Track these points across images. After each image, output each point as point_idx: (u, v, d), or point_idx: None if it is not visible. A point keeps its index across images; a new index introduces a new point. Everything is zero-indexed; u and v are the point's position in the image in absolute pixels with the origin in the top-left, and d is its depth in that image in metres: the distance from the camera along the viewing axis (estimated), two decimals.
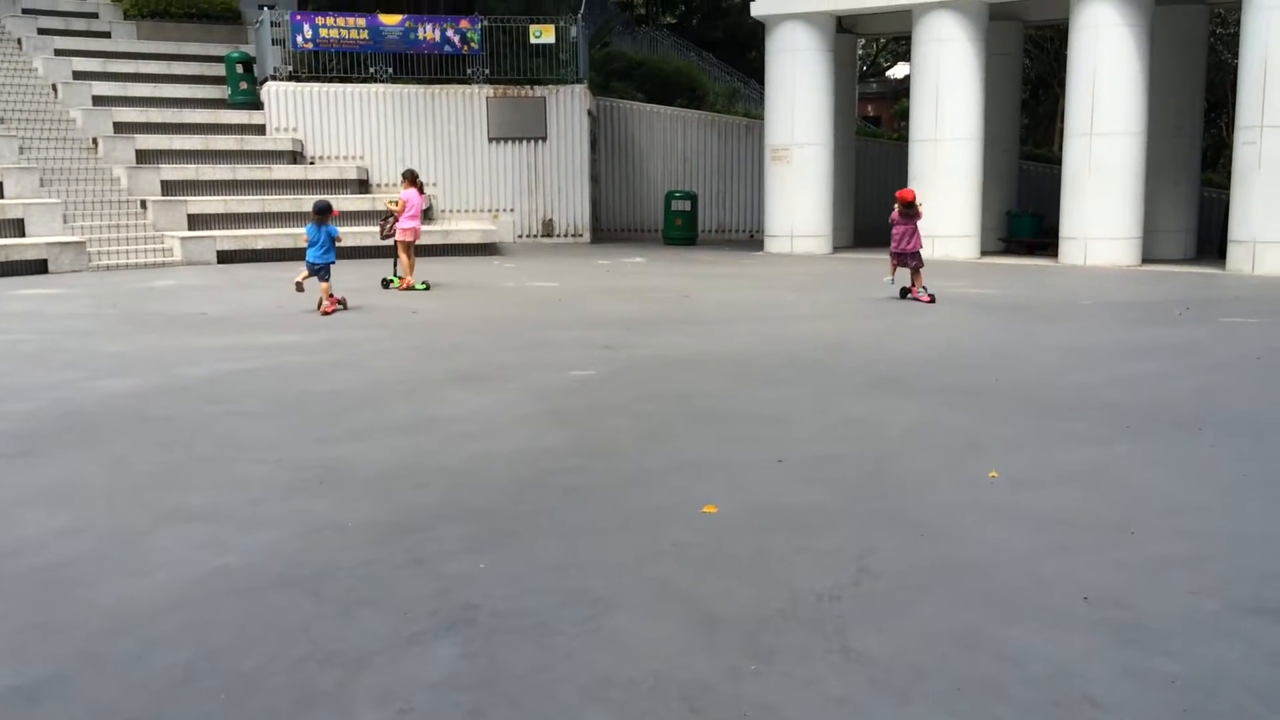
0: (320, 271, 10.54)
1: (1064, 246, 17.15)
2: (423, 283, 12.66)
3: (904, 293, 11.70)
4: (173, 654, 2.92)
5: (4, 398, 6.43)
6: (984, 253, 18.65)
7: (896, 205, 11.76)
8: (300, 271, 10.72)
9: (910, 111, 18.84)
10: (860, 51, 28.56)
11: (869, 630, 3.05)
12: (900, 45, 36.86)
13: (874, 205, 23.75)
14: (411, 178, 12.91)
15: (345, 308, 10.74)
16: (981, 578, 3.46)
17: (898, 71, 42.29)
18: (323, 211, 10.70)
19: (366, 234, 18.06)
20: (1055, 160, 23.57)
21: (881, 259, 18.44)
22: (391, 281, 12.67)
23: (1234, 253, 15.52)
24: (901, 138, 24.47)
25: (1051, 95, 32.13)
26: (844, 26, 20.35)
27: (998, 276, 15.02)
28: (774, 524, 4.02)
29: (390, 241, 12.77)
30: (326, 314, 10.38)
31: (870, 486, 4.53)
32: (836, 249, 19.97)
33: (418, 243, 13.05)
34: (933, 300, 11.37)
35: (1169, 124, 18.34)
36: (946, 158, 17.90)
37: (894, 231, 11.63)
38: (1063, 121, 19.16)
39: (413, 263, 12.68)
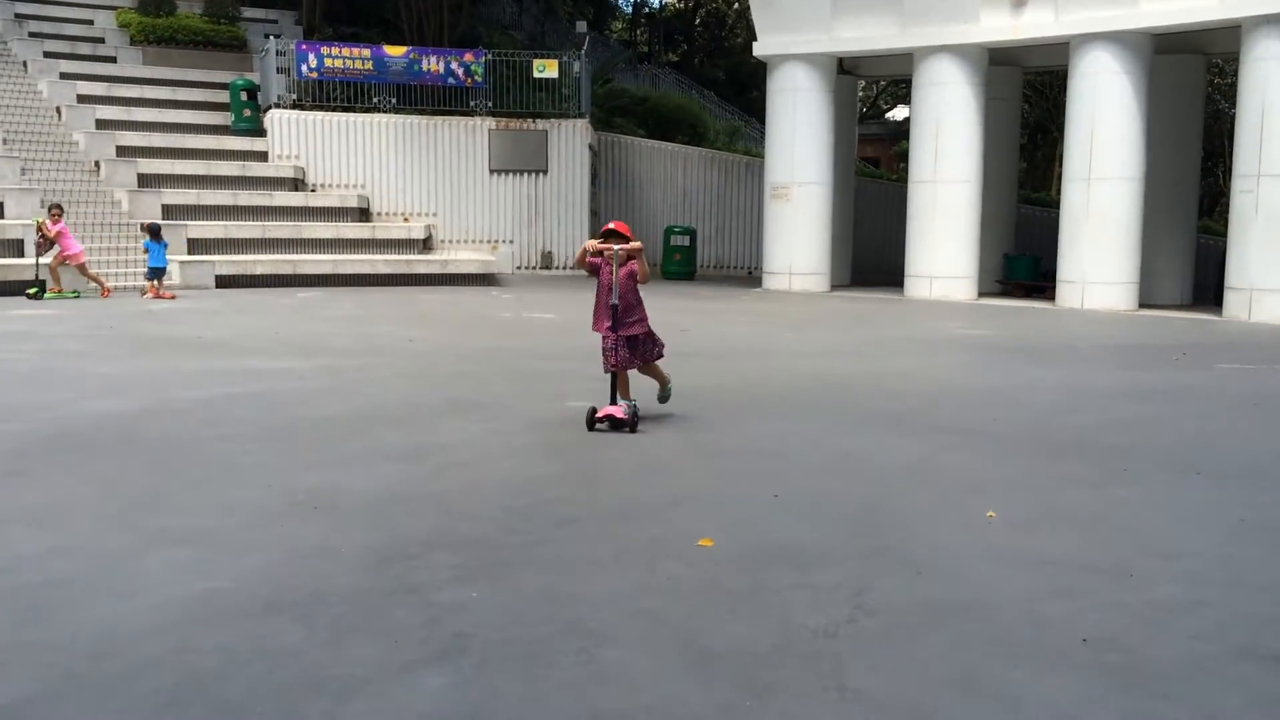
0: (161, 274, 15.02)
1: (1061, 290, 17.20)
2: (73, 291, 14.92)
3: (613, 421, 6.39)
4: (158, 678, 2.86)
5: None
6: (981, 294, 18.70)
7: (604, 245, 6.40)
8: (148, 287, 14.89)
9: (909, 153, 18.97)
10: (860, 93, 28.78)
11: (866, 669, 3.00)
12: (900, 88, 37.20)
13: (873, 245, 23.86)
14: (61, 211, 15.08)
15: (173, 300, 14.51)
16: (980, 618, 3.42)
17: (897, 114, 42.66)
18: (155, 232, 15.14)
19: (364, 262, 18.10)
20: (1053, 204, 23.72)
21: (879, 298, 18.52)
22: (37, 292, 14.45)
23: (1231, 300, 15.57)
24: (900, 179, 24.63)
25: (1050, 140, 32.40)
26: (845, 68, 20.53)
27: (995, 318, 15.05)
28: (769, 559, 3.98)
29: (45, 259, 14.78)
30: (161, 298, 14.48)
31: (867, 524, 4.50)
32: (834, 287, 20.02)
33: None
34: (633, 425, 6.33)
35: (1167, 171, 18.48)
36: (945, 200, 18.00)
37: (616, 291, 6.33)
38: (1061, 166, 19.31)
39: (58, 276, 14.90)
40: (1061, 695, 2.87)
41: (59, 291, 14.63)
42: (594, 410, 6.39)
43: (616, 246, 6.36)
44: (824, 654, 3.10)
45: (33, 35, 22.35)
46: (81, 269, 14.82)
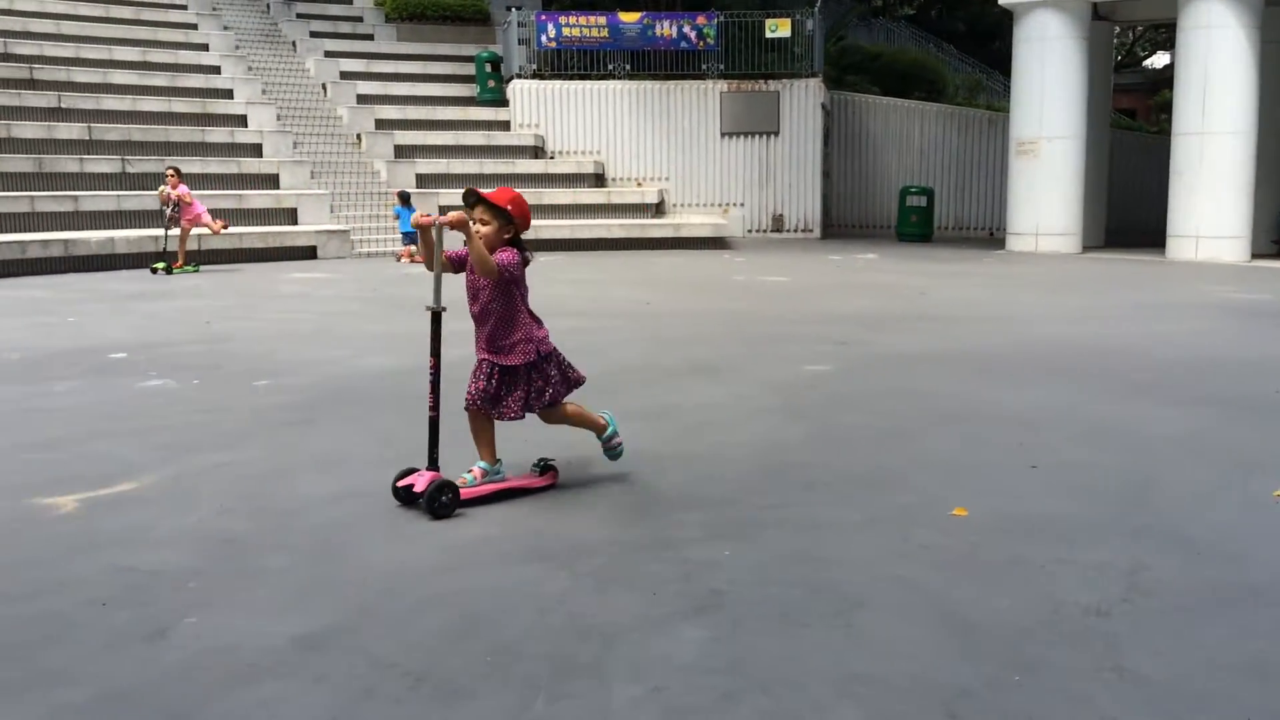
0: (414, 238, 14.12)
1: None
2: (193, 265, 14.04)
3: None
4: (440, 616, 3.08)
5: (285, 371, 7.01)
6: (1254, 256, 17.15)
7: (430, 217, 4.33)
8: (402, 251, 15.89)
9: (1174, 103, 17.54)
10: (1115, 40, 26.81)
11: (1145, 651, 2.85)
12: (1160, 33, 34.41)
13: (1129, 203, 22.33)
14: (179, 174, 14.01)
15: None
16: (1270, 603, 3.17)
17: (1156, 61, 39.54)
18: (406, 199, 15.81)
19: (600, 226, 18.55)
20: None
21: (1136, 260, 17.28)
22: (165, 268, 13.58)
23: None
24: (1161, 131, 22.87)
25: None
26: (1100, 14, 19.19)
27: (1271, 282, 13.76)
28: (1030, 532, 3.83)
29: (176, 229, 13.82)
30: (415, 262, 14.48)
31: (1135, 499, 4.25)
32: (1086, 248, 18.88)
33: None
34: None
35: None
36: (1214, 153, 16.57)
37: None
38: None
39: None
40: None
41: (181, 267, 13.74)
42: (400, 475, 4.18)
43: (438, 219, 4.18)
44: (1096, 633, 2.97)
45: (300, 17, 24.10)
46: (207, 225, 13.80)
